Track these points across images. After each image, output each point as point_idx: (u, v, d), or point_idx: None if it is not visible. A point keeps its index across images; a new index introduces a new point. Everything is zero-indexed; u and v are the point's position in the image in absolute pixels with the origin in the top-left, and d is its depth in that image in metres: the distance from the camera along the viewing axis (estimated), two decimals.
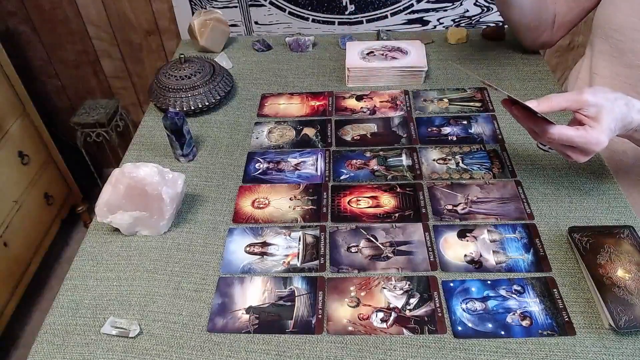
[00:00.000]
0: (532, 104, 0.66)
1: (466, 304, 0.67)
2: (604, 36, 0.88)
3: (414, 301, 0.67)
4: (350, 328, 0.65)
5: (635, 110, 0.67)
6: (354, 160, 0.89)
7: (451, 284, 0.69)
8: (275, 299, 0.69)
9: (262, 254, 0.75)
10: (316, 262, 0.73)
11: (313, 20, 1.52)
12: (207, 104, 1.00)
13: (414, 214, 0.79)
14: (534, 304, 0.66)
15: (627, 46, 0.83)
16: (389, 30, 1.23)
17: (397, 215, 0.79)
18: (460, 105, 1.00)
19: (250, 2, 1.48)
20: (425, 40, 1.16)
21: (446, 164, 0.87)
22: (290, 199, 0.83)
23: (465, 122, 0.96)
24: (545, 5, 0.98)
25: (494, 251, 0.73)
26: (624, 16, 0.83)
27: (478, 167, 0.86)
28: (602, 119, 0.65)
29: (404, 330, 0.64)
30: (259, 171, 0.88)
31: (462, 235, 0.75)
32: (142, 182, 0.74)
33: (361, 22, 1.52)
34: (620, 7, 0.83)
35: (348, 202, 0.82)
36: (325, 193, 0.83)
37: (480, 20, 1.50)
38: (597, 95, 0.66)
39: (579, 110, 0.67)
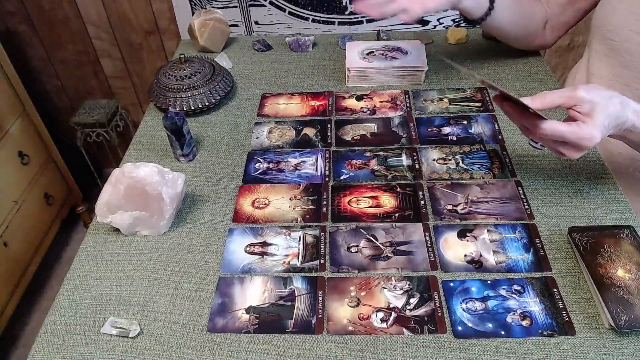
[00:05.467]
0: (525, 101, 0.66)
1: (466, 303, 0.67)
2: (601, 37, 0.88)
3: (414, 301, 0.67)
4: (350, 328, 0.65)
5: (630, 109, 0.67)
6: (354, 160, 0.89)
7: (451, 284, 0.69)
8: (275, 299, 0.69)
9: (262, 254, 0.75)
10: (316, 262, 0.73)
11: (313, 20, 1.52)
12: (207, 104, 1.00)
13: (414, 214, 0.79)
14: (534, 304, 0.66)
15: (623, 46, 0.83)
16: (389, 30, 1.23)
17: (397, 215, 0.79)
18: (460, 105, 1.00)
19: (250, 2, 1.48)
20: (425, 40, 1.16)
21: (446, 164, 0.87)
22: (290, 199, 0.83)
23: (465, 122, 0.96)
24: (530, 15, 0.98)
25: (494, 251, 0.73)
26: (621, 16, 0.83)
27: (478, 167, 0.86)
28: (595, 115, 0.65)
29: (404, 330, 0.64)
30: (259, 171, 0.88)
31: (462, 235, 0.75)
32: (142, 182, 0.74)
33: (361, 22, 1.52)
34: (616, 8, 0.83)
35: (348, 202, 0.82)
36: (325, 193, 0.83)
37: None
38: (591, 92, 0.66)
39: (573, 107, 0.66)
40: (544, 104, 0.67)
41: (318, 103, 1.03)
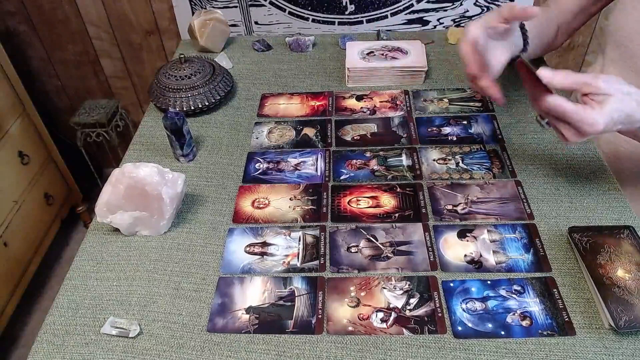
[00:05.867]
0: (546, 73, 0.65)
1: (466, 304, 0.67)
2: (615, 43, 0.87)
3: (414, 301, 0.67)
4: (350, 328, 0.65)
5: None
6: (354, 160, 0.89)
7: (451, 284, 0.69)
8: (275, 299, 0.69)
9: (262, 254, 0.75)
10: (316, 262, 0.73)
11: (313, 20, 1.52)
12: (207, 104, 1.00)
13: (414, 214, 0.79)
14: (534, 304, 0.66)
15: (636, 52, 0.82)
16: (389, 30, 1.23)
17: (397, 215, 0.79)
18: (460, 105, 1.00)
19: (250, 2, 1.48)
20: (425, 40, 1.16)
21: (446, 164, 0.87)
22: (290, 199, 0.83)
23: (465, 122, 0.96)
24: (549, 32, 0.95)
25: (494, 251, 0.73)
26: (635, 23, 0.82)
27: (478, 167, 0.86)
28: (606, 105, 0.63)
29: (404, 330, 0.64)
30: (259, 171, 0.88)
31: (462, 235, 0.75)
32: (142, 182, 0.74)
33: (361, 22, 1.52)
34: (631, 14, 0.82)
35: (348, 202, 0.82)
36: (325, 193, 0.83)
37: None
38: (610, 83, 0.64)
39: (589, 93, 0.65)
40: (562, 82, 0.65)
41: (318, 103, 1.03)
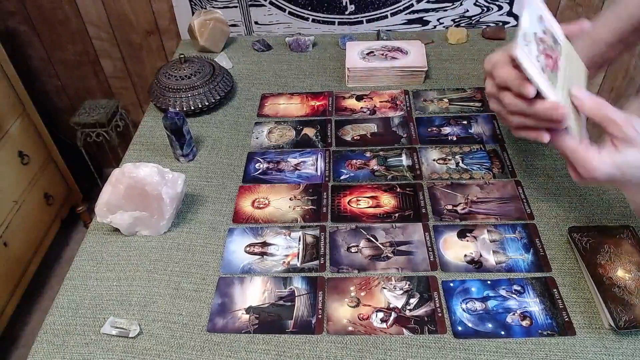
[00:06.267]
0: (580, 94, 0.58)
1: (466, 304, 0.67)
2: None
3: (414, 301, 0.67)
4: (350, 328, 0.65)
5: None
6: (354, 160, 0.89)
7: (451, 284, 0.69)
8: (275, 299, 0.69)
9: (262, 254, 0.75)
10: (316, 262, 0.73)
11: (313, 20, 1.51)
12: (207, 104, 1.00)
13: (414, 214, 0.79)
14: (534, 304, 0.66)
15: None
16: (389, 30, 1.23)
17: (397, 215, 0.79)
18: (460, 105, 1.00)
19: (250, 2, 1.48)
20: (425, 40, 1.16)
21: (446, 164, 0.87)
22: (290, 199, 0.83)
23: (465, 122, 0.96)
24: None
25: (494, 251, 0.73)
26: None
27: (478, 167, 0.86)
28: (620, 155, 0.54)
29: (404, 330, 0.64)
30: (259, 171, 0.88)
31: (462, 235, 0.75)
32: (142, 182, 0.74)
33: (361, 22, 1.52)
34: None
35: (348, 202, 0.82)
36: (325, 193, 0.83)
37: (480, 20, 1.50)
38: None
39: (614, 136, 0.55)
40: (592, 112, 0.57)
41: (318, 103, 1.03)
